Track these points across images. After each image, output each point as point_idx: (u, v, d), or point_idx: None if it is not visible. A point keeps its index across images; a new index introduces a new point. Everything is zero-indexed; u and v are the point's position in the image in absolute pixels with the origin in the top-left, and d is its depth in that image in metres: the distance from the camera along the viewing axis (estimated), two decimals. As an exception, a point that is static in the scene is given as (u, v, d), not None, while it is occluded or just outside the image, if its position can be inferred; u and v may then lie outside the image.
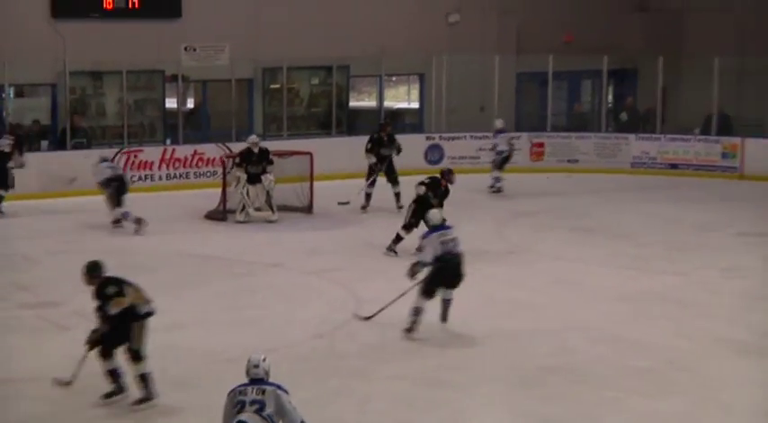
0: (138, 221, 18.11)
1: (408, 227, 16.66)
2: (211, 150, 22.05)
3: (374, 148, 19.96)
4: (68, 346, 10.36)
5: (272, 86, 25.11)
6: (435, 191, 16.76)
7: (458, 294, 13.51)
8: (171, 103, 24.15)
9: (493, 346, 12.22)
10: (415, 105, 27.36)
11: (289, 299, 14.94)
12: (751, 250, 17.20)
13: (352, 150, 22.23)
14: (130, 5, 22.88)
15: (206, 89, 25.05)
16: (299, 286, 15.64)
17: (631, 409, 9.98)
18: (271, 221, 19.32)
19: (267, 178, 19.34)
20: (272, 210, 19.48)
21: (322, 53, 24.50)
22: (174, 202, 21.16)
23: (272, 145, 20.83)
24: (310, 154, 19.97)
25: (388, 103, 27.03)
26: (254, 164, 19.41)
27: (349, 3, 25.40)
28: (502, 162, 22.41)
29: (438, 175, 17.37)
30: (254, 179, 19.15)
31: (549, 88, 25.83)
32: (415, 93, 27.70)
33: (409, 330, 11.55)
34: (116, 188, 18.11)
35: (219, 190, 20.08)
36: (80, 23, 22.12)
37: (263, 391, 7.61)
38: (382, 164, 19.93)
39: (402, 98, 29.01)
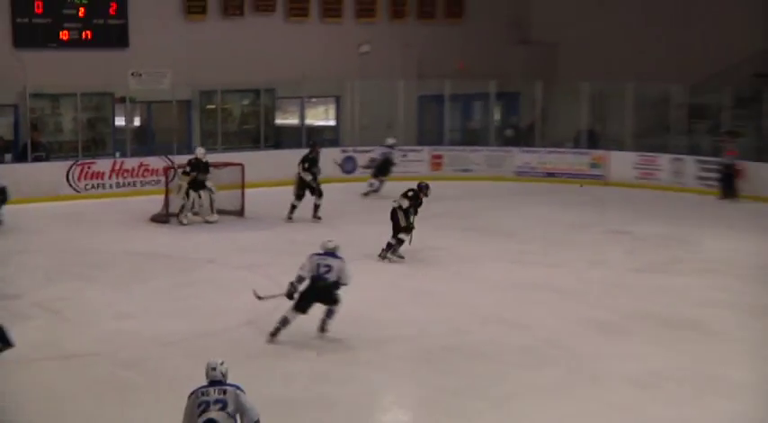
0: None
1: (408, 229, 17.61)
2: (155, 162, 22.79)
3: (310, 167, 20.41)
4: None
5: (208, 107, 25.89)
6: (415, 203, 17.82)
7: (368, 284, 15.00)
8: (120, 121, 24.79)
9: (399, 329, 13.15)
10: (333, 123, 28.33)
11: (223, 290, 15.80)
12: (615, 245, 18.71)
13: (278, 162, 23.55)
14: (84, 37, 23.74)
15: (150, 109, 25.72)
16: (232, 279, 16.38)
17: (514, 380, 11.00)
18: (210, 222, 20.21)
19: (210, 184, 20.36)
20: (212, 211, 20.34)
21: (252, 78, 25.64)
22: (123, 208, 21.76)
23: (209, 157, 21.40)
24: (242, 165, 21.05)
25: (309, 122, 27.56)
26: (202, 172, 20.34)
27: (275, 35, 26.36)
28: (376, 170, 23.68)
29: (416, 189, 18.08)
30: (200, 185, 20.02)
31: (445, 108, 27.39)
32: (332, 112, 28.52)
33: (273, 334, 11.91)
34: None
35: (163, 196, 20.80)
36: (39, 52, 22.86)
37: (225, 391, 7.97)
38: (315, 180, 20.44)
39: (321, 117, 29.15)
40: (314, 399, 11.11)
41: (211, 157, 21.52)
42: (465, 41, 28.56)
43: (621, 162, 25.55)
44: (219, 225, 20.52)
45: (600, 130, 27.41)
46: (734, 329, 13.90)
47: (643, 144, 26.05)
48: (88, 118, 24.44)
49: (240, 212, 20.73)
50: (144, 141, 25.35)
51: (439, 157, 26.40)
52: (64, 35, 23.49)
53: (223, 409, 7.73)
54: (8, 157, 22.91)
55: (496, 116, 28.89)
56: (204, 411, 7.75)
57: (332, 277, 11.93)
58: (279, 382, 11.34)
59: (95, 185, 23.04)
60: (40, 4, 23.24)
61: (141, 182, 23.16)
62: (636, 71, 25.78)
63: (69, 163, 22.81)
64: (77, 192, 22.83)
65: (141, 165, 23.20)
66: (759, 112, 25.03)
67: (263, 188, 22.31)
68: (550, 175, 25.91)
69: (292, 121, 27.68)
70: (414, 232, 18.27)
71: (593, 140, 26.77)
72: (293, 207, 20.34)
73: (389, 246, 17.58)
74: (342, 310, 12.99)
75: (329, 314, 12.03)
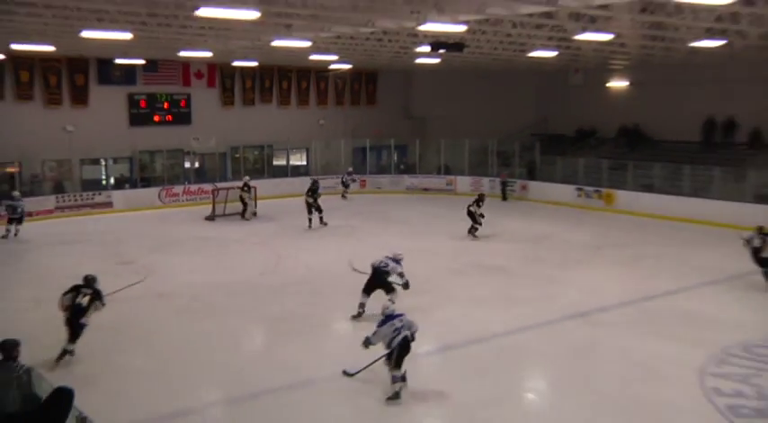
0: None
1: (479, 221, 19.48)
2: (207, 187, 25.35)
3: (312, 194, 20.81)
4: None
5: (235, 155, 28.92)
6: (478, 204, 19.74)
7: (322, 247, 17.84)
8: (187, 164, 27.69)
9: (338, 288, 14.04)
10: (305, 163, 30.94)
11: (245, 256, 17.70)
12: (462, 226, 20.09)
13: (275, 185, 26.98)
14: (167, 119, 27.36)
15: (204, 158, 28.73)
16: (249, 250, 18.38)
17: (405, 302, 11.35)
18: (248, 219, 22.70)
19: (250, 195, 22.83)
20: (254, 213, 23.01)
21: (259, 139, 29.32)
22: (189, 212, 23.79)
23: (228, 184, 24.34)
24: (255, 187, 23.32)
25: (292, 163, 29.75)
26: (246, 191, 22.90)
27: (271, 115, 29.77)
28: (345, 187, 27.49)
29: (478, 197, 20.07)
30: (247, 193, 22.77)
31: (367, 154, 30.70)
32: (305, 157, 31.14)
33: (356, 316, 11.88)
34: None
35: (211, 205, 22.97)
36: (143, 128, 26.45)
37: (402, 319, 9.13)
38: (315, 202, 20.93)
39: (298, 160, 30.76)
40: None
41: (238, 184, 23.92)
42: (378, 117, 32.30)
43: (462, 182, 29.18)
44: (239, 220, 22.84)
45: (451, 165, 30.39)
46: (521, 270, 16.15)
47: (473, 172, 29.58)
48: (170, 163, 27.42)
49: (255, 214, 23.24)
50: (200, 175, 28.04)
51: (364, 181, 29.73)
52: (157, 118, 27.28)
53: (409, 328, 9.10)
54: (127, 185, 26.31)
55: (395, 158, 31.88)
56: (398, 334, 9.03)
57: (390, 271, 12.15)
58: (276, 305, 13.18)
59: (174, 200, 25.95)
60: (144, 101, 26.90)
61: (199, 198, 25.89)
62: (469, 132, 29.27)
63: (160, 188, 25.98)
64: (164, 204, 25.58)
65: (199, 188, 26.23)
66: (533, 155, 28.87)
67: (267, 200, 24.45)
68: (426, 190, 29.49)
69: (282, 162, 29.99)
70: (348, 221, 20.89)
71: (447, 170, 30.38)
72: (310, 220, 20.90)
73: (472, 228, 19.65)
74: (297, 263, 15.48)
75: (389, 292, 11.99)
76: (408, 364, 9.26)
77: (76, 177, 25.67)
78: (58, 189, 25.08)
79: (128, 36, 16.64)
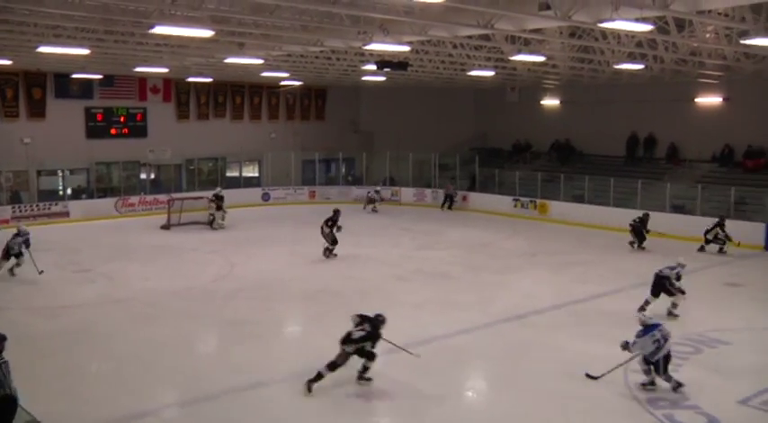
0: None
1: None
2: (162, 198, 24.78)
3: (334, 225, 17.89)
4: None
5: (190, 167, 28.74)
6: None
7: (272, 255, 17.73)
8: (143, 175, 27.30)
9: (289, 294, 14.25)
10: (257, 175, 30.79)
11: (199, 264, 17.53)
12: (404, 236, 21.17)
13: (229, 196, 24.63)
14: (124, 132, 26.95)
15: (159, 170, 28.33)
16: (204, 258, 18.25)
17: (352, 305, 11.02)
18: (217, 229, 22.46)
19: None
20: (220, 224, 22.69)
21: (213, 151, 29.05)
22: (146, 222, 23.47)
23: (183, 194, 24.16)
24: (222, 197, 23.16)
25: (245, 174, 29.93)
26: (213, 201, 23.04)
27: (225, 128, 29.53)
28: (373, 202, 26.68)
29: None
30: (218, 208, 22.83)
31: (317, 167, 30.74)
32: (257, 169, 30.93)
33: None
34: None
35: (166, 215, 22.70)
36: (100, 140, 26.08)
37: (660, 328, 8.99)
38: (331, 233, 18.00)
39: (251, 171, 30.70)
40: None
41: (193, 195, 24.29)
42: (326, 131, 32.39)
43: (407, 193, 29.62)
44: (194, 229, 22.30)
45: (396, 176, 30.88)
46: (462, 276, 16.38)
47: (416, 184, 30.03)
48: (127, 174, 27.18)
49: (221, 226, 22.93)
50: (156, 186, 27.86)
51: (313, 192, 29.88)
52: (113, 131, 26.96)
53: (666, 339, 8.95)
54: (84, 196, 26.06)
55: (343, 170, 32.08)
56: (659, 347, 8.98)
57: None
58: (229, 311, 13.38)
59: (130, 210, 25.72)
60: (101, 115, 26.46)
61: (155, 208, 25.66)
62: (414, 145, 29.44)
63: (116, 198, 25.75)
64: (121, 214, 25.26)
65: (155, 199, 25.98)
66: (473, 168, 29.37)
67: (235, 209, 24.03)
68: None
69: (235, 174, 30.01)
70: (272, 226, 21.19)
71: (393, 182, 30.77)
72: (328, 249, 18.14)
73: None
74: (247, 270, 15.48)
75: None
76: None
77: (33, 188, 25.26)
78: (15, 199, 24.56)
79: (85, 52, 16.41)
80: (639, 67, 19.10)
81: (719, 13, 12.46)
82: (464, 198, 28.29)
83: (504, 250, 19.85)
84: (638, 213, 20.59)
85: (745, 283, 16.00)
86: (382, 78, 25.49)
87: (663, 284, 12.89)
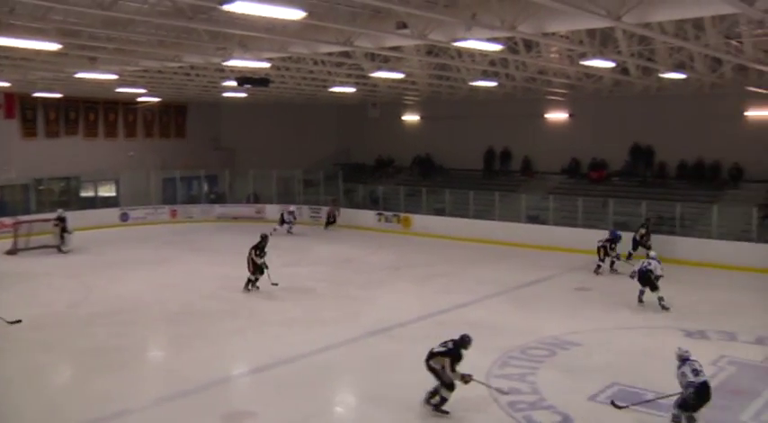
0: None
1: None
2: (8, 221, 23.00)
3: (261, 252, 16.19)
4: None
5: (39, 187, 27.24)
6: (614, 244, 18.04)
7: (130, 282, 17.34)
8: None
9: (149, 318, 14.10)
10: (114, 194, 29.37)
11: (54, 289, 16.75)
12: (268, 252, 17.18)
13: (80, 218, 24.51)
14: None
15: (3, 191, 26.51)
16: (60, 283, 17.45)
17: (211, 330, 12.63)
18: (65, 252, 21.41)
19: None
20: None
21: (65, 170, 27.80)
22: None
23: (31, 217, 23.17)
24: (64, 218, 22.01)
25: (101, 194, 29.02)
26: (56, 224, 21.83)
27: (78, 147, 28.40)
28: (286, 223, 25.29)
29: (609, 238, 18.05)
30: (63, 230, 21.71)
31: (177, 184, 30.03)
32: (114, 188, 29.51)
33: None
34: None
35: (13, 239, 21.33)
36: None
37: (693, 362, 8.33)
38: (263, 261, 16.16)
39: (108, 191, 29.44)
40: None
41: (43, 217, 22.99)
42: (187, 149, 31.80)
43: (271, 210, 28.68)
44: (45, 253, 21.22)
45: (260, 193, 30.49)
46: (328, 292, 16.41)
47: (281, 200, 29.20)
48: None
49: (60, 247, 21.86)
50: (0, 208, 25.76)
51: (175, 211, 29.16)
52: None
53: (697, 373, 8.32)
54: None
55: (205, 188, 31.48)
56: (700, 372, 8.36)
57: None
58: (85, 338, 14.07)
59: None
60: None
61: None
62: (277, 162, 29.45)
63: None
64: None
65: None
66: (337, 184, 29.41)
67: (76, 232, 22.57)
68: (235, 218, 29.20)
69: (91, 193, 29.10)
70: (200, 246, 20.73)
71: (257, 199, 30.49)
72: (251, 281, 16.35)
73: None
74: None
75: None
76: (221, 387, 9.22)
77: None
78: None
79: None
80: (493, 84, 20.19)
81: (562, 36, 13.44)
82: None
83: (369, 265, 20.11)
84: (498, 224, 21.16)
85: (594, 287, 16.94)
86: (244, 95, 25.39)
87: (648, 277, 14.38)
